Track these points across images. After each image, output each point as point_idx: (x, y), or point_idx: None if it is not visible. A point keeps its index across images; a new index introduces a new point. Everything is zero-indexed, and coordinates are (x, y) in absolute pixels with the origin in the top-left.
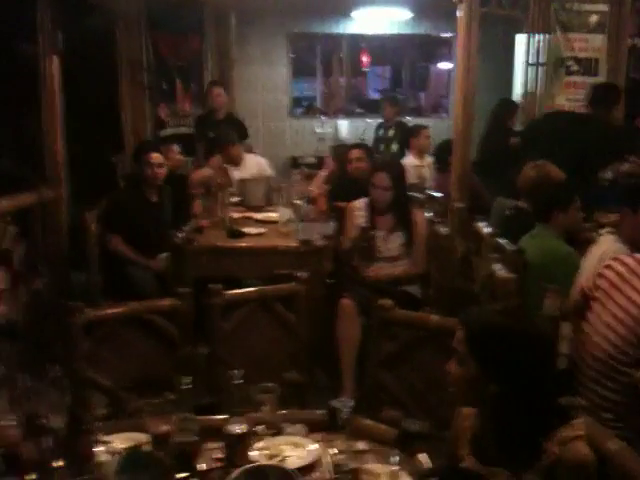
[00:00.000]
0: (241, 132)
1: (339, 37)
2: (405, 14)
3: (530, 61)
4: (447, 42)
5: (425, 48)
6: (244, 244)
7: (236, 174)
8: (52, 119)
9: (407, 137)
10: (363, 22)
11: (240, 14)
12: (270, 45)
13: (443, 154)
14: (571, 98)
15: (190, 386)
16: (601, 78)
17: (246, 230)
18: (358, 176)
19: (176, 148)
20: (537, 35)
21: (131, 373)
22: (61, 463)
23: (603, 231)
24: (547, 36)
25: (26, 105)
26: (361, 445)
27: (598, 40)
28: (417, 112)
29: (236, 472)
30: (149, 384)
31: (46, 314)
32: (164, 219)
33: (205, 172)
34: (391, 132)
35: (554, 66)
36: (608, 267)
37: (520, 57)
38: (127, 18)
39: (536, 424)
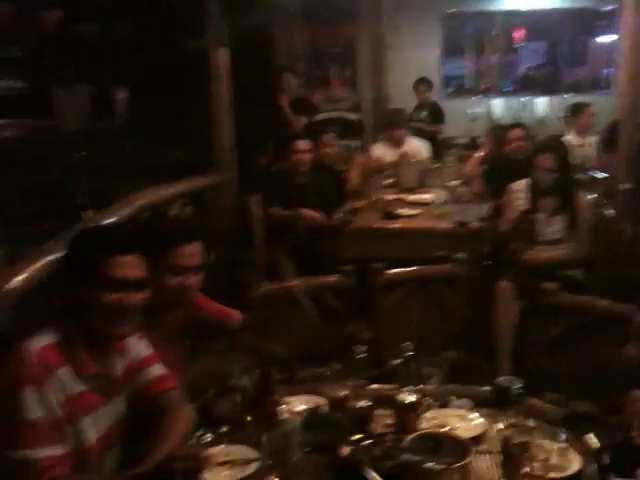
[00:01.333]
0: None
1: (492, 14)
2: None
3: None
4: (608, 15)
5: (583, 22)
6: (399, 225)
7: (394, 155)
8: (220, 109)
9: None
10: None
11: None
12: (423, 28)
13: (613, 133)
14: None
15: (365, 355)
16: None
17: (400, 212)
18: (517, 157)
19: (330, 135)
20: None
21: (298, 345)
22: (249, 418)
23: None
24: None
25: (195, 96)
26: (528, 422)
27: None
28: (574, 88)
29: (411, 436)
30: (313, 356)
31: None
32: (314, 202)
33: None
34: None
35: None
36: None
37: None
38: (284, 11)
39: None
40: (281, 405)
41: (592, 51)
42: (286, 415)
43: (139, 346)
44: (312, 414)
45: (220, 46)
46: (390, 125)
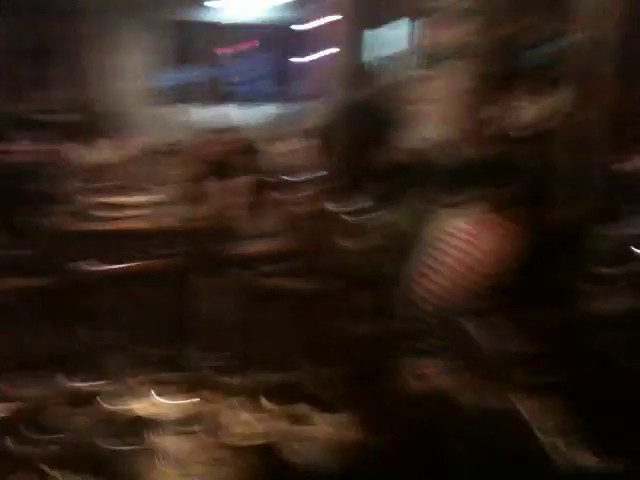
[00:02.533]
0: None
1: (198, 25)
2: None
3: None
4: (314, 33)
5: (292, 39)
6: (107, 227)
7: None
8: None
9: None
10: (225, 9)
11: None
12: (129, 32)
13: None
14: None
15: None
16: None
17: (109, 214)
18: (219, 159)
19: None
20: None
21: None
22: None
23: None
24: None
25: None
26: None
27: (461, 30)
28: (279, 99)
29: None
30: None
31: None
32: None
33: None
34: None
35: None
36: None
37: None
38: None
39: None
40: None
41: (300, 68)
42: None
43: None
44: None
45: None
46: (94, 128)
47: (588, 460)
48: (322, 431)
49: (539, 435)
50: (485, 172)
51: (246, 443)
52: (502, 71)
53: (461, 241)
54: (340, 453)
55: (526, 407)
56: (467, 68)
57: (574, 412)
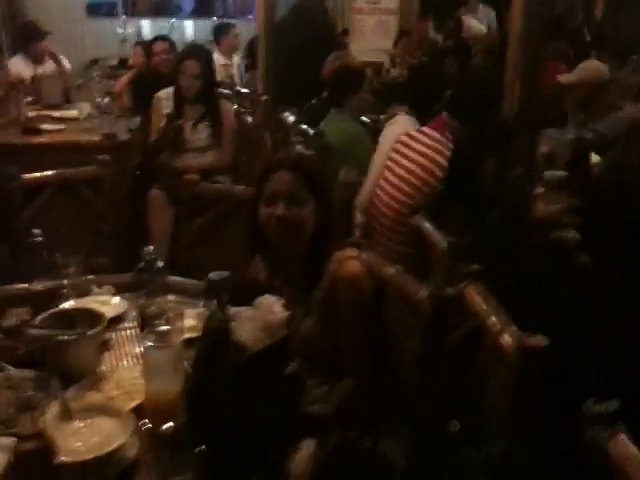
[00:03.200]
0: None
1: None
2: None
3: None
4: None
5: None
6: (42, 140)
7: (32, 71)
8: None
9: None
10: None
11: None
12: None
13: (253, 52)
14: (370, 1)
15: None
16: None
17: (43, 127)
18: (164, 70)
19: None
20: None
21: None
22: None
23: (400, 112)
24: None
25: None
26: (170, 297)
27: None
28: (222, 14)
29: (43, 315)
30: None
31: None
32: None
33: None
34: None
35: None
36: (398, 141)
37: None
38: None
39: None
40: None
41: None
42: None
43: None
44: None
45: None
46: (27, 40)
47: None
48: None
49: None
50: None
51: None
52: None
53: (424, 145)
54: None
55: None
56: None
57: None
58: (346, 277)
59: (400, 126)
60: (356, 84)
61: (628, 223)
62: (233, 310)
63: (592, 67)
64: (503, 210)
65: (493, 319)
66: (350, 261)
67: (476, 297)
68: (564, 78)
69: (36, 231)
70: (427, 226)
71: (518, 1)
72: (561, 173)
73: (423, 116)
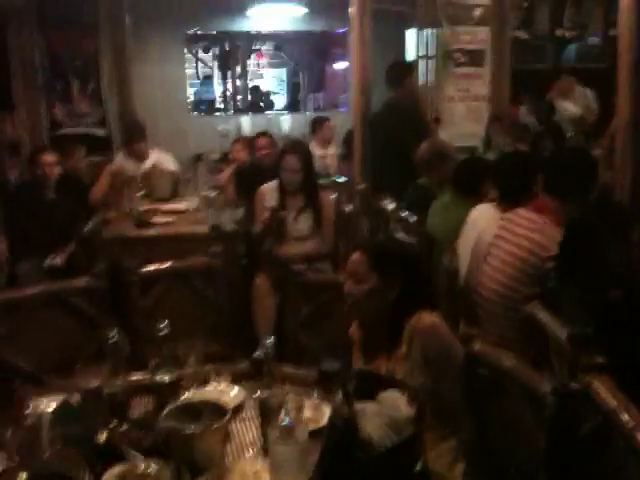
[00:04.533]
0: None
1: (235, 35)
2: (300, 10)
3: (420, 54)
4: (342, 40)
5: (321, 46)
6: (154, 232)
7: (140, 169)
8: None
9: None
10: (259, 19)
11: (136, 12)
12: (168, 44)
13: (349, 143)
14: (460, 88)
15: (117, 339)
16: (487, 69)
17: (154, 220)
18: (266, 163)
19: (78, 147)
20: (425, 29)
21: (52, 354)
22: None
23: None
24: (435, 30)
25: None
26: (283, 387)
27: (483, 33)
28: (316, 109)
29: (170, 407)
30: (70, 365)
31: None
32: (62, 215)
33: (113, 167)
34: None
35: (442, 59)
36: (498, 226)
37: (411, 51)
38: (18, 15)
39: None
40: (28, 406)
41: (330, 77)
42: (38, 411)
43: None
44: (62, 407)
45: None
46: (130, 139)
47: None
48: None
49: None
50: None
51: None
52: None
53: (521, 227)
54: None
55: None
56: (493, 68)
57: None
58: (422, 326)
59: (484, 213)
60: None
61: None
62: (358, 405)
63: None
64: (628, 288)
65: (626, 416)
66: (424, 314)
67: (604, 392)
68: None
69: (162, 324)
70: (543, 315)
71: (624, 86)
72: None
73: (514, 200)
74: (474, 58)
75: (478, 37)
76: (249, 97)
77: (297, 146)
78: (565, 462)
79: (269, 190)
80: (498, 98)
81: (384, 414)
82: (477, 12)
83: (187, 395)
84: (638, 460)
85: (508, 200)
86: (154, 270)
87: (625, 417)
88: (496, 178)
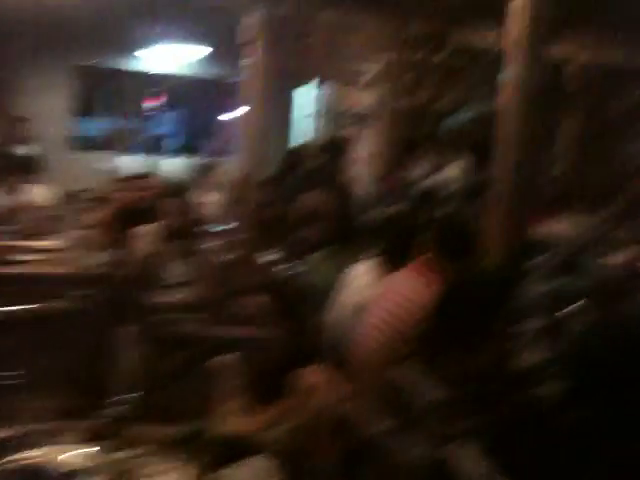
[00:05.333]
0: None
1: (130, 74)
2: (199, 51)
3: (309, 113)
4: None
5: (215, 93)
6: (17, 271)
7: (11, 201)
8: None
9: None
10: (155, 60)
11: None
12: (49, 76)
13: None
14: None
15: None
16: (371, 131)
17: (19, 258)
18: (146, 205)
19: None
20: (317, 89)
21: None
22: None
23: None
24: (326, 89)
25: None
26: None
27: (370, 96)
28: (203, 153)
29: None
30: None
31: None
32: None
33: None
34: None
35: (331, 118)
36: (375, 284)
37: (301, 109)
38: None
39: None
40: None
41: (223, 125)
42: None
43: None
44: None
45: None
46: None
47: None
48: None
49: None
50: (400, 227)
51: None
52: (412, 136)
53: (391, 291)
54: None
55: (452, 455)
56: (379, 132)
57: (495, 457)
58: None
59: (365, 270)
60: None
61: None
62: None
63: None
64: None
65: None
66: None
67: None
68: None
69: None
70: (409, 379)
71: (501, 164)
72: None
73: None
74: (361, 120)
75: (365, 100)
76: (141, 137)
77: (178, 190)
78: None
79: (147, 233)
80: (381, 160)
81: None
82: (368, 76)
83: (33, 452)
84: None
85: (389, 259)
86: (10, 311)
87: None
88: (379, 238)
